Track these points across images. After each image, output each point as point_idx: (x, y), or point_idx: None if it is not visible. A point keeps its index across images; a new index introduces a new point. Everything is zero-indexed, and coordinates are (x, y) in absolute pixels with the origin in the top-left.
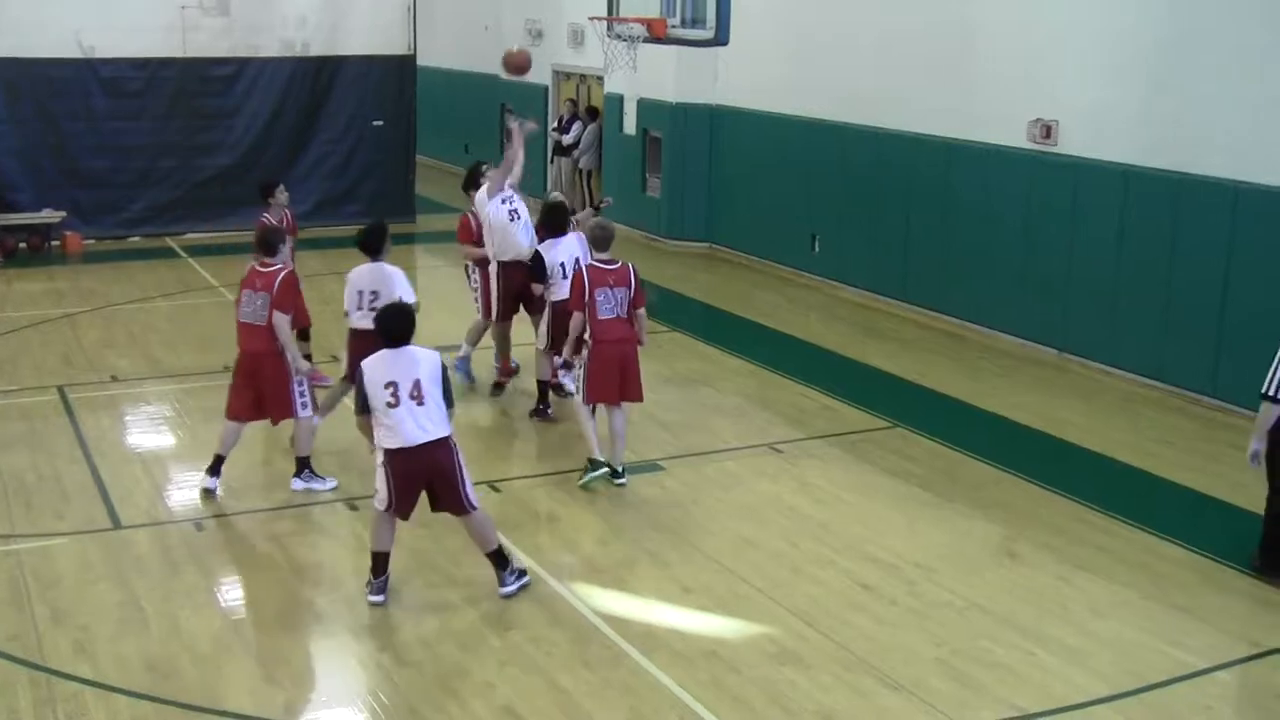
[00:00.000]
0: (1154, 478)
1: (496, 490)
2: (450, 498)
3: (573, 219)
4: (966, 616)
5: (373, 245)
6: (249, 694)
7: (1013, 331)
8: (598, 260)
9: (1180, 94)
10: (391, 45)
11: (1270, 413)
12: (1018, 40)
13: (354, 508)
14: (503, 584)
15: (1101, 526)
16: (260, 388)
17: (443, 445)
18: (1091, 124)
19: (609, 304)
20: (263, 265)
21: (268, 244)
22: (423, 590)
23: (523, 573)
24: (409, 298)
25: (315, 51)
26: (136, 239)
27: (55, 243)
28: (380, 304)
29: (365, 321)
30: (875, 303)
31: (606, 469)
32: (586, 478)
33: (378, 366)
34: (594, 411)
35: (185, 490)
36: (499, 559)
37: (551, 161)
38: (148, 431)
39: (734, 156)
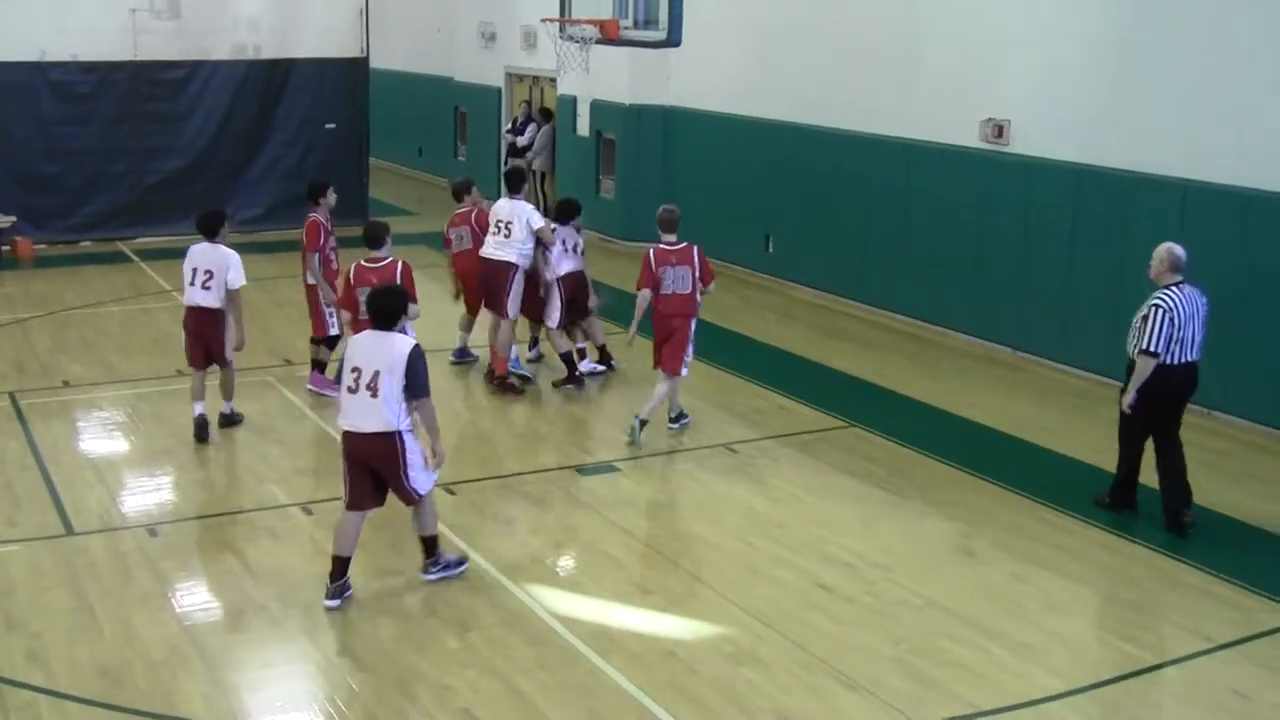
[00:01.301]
0: (1108, 475)
1: (451, 493)
2: (394, 486)
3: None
4: (924, 615)
5: (210, 227)
6: (203, 700)
7: (968, 330)
8: (665, 242)
9: (1130, 93)
10: (344, 48)
11: (1147, 366)
12: (969, 41)
13: (309, 512)
14: (424, 571)
15: (1057, 524)
16: None
17: (386, 438)
18: (1043, 123)
19: (670, 281)
20: (371, 261)
21: (375, 238)
22: (380, 594)
23: (454, 563)
24: (239, 282)
25: (267, 54)
26: (88, 243)
27: (5, 248)
28: (214, 284)
29: (197, 298)
30: (831, 302)
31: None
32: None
33: (355, 349)
34: None
35: (139, 495)
36: (429, 546)
37: (505, 163)
38: (101, 437)
39: (688, 157)
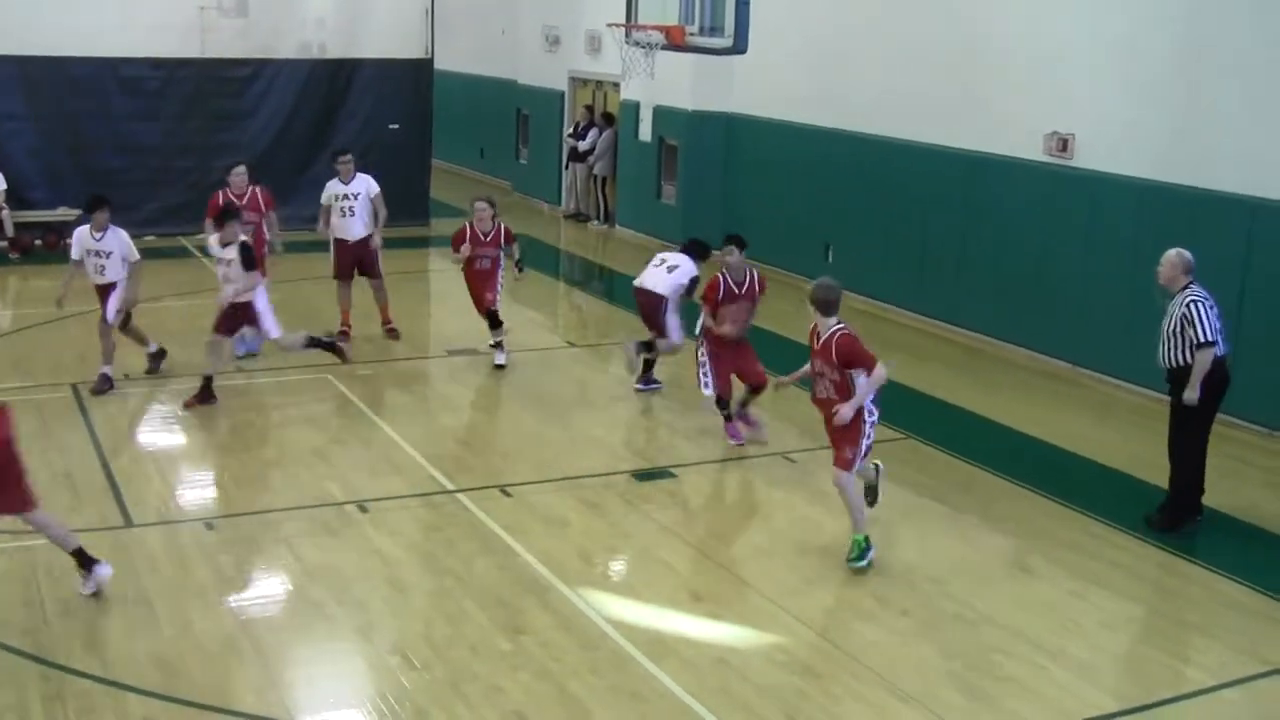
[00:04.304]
0: (1167, 493)
1: (507, 495)
2: None
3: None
4: (978, 629)
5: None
6: (256, 693)
7: (1028, 345)
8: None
9: (1197, 108)
10: (409, 49)
11: (1208, 358)
12: (1035, 52)
13: (365, 510)
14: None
15: (1115, 541)
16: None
17: None
18: (1108, 138)
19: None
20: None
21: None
22: (434, 594)
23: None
24: (133, 256)
25: (333, 54)
26: (151, 238)
27: (69, 240)
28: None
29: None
30: (889, 313)
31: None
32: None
33: None
34: None
35: (197, 489)
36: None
37: (566, 168)
38: (160, 430)
39: (749, 164)
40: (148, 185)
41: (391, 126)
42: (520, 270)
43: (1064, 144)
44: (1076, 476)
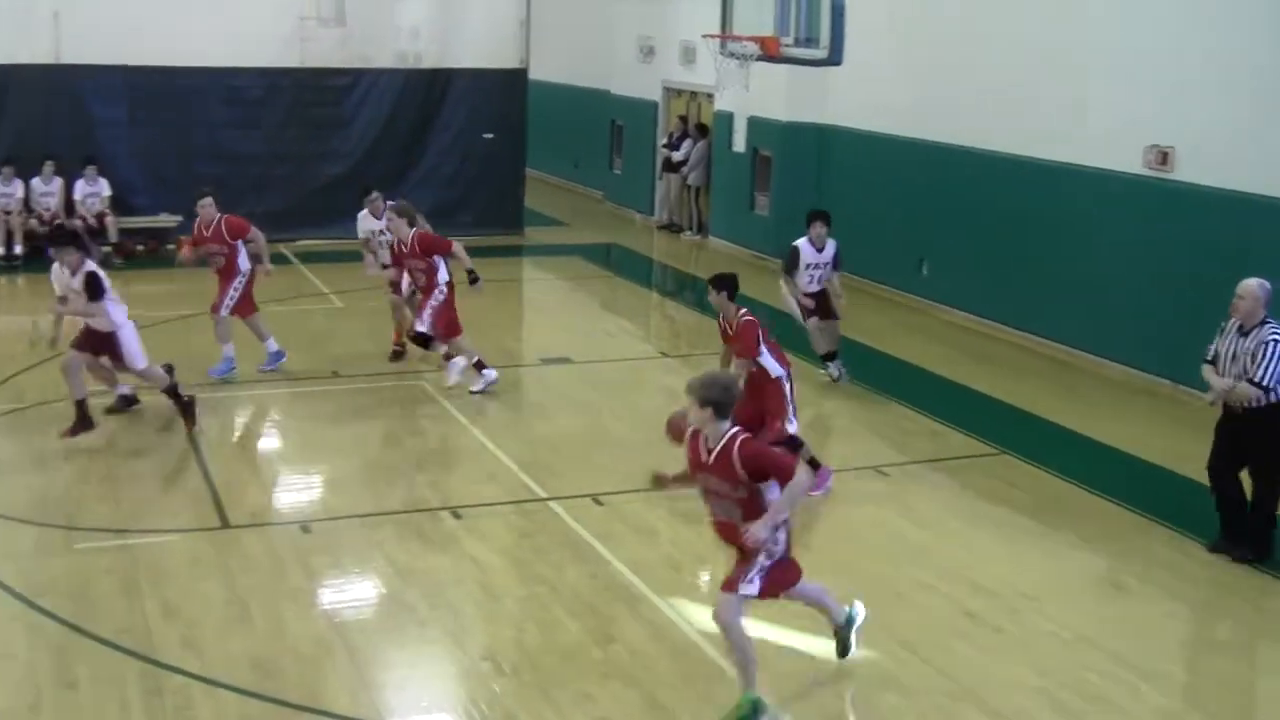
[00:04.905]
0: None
1: (599, 504)
2: None
3: None
4: (1072, 648)
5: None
6: (349, 695)
7: (1126, 361)
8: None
9: None
10: (504, 59)
11: (1252, 395)
12: (1134, 63)
13: (458, 516)
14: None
15: (1211, 562)
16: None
17: None
18: (1209, 152)
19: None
20: None
21: None
22: (526, 601)
23: None
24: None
25: (428, 64)
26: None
27: (171, 246)
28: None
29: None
30: (983, 327)
31: None
32: None
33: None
34: None
35: (293, 492)
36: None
37: (660, 178)
38: (258, 434)
39: (842, 176)
40: (248, 192)
41: (486, 136)
42: (475, 283)
43: (1164, 157)
44: (1173, 494)
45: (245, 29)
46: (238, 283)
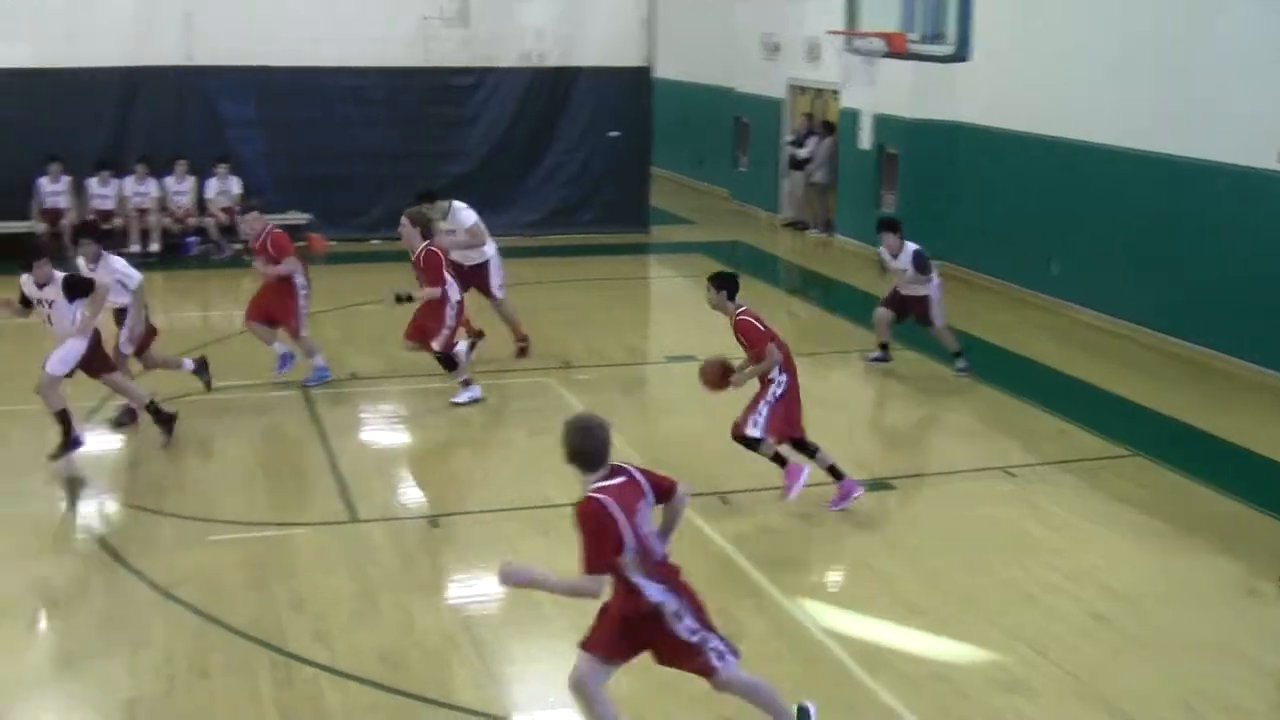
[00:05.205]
0: None
1: (725, 502)
2: None
3: None
4: (1205, 654)
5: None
6: (475, 689)
7: (1264, 362)
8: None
9: None
10: (628, 57)
11: None
12: (1268, 58)
13: None
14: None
15: None
16: None
17: None
18: None
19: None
20: None
21: None
22: None
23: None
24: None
25: (552, 62)
26: (376, 242)
27: (300, 243)
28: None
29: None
30: (1114, 326)
31: None
32: None
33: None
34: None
35: (420, 487)
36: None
37: (785, 176)
38: (385, 429)
39: (970, 173)
40: (373, 191)
41: (611, 134)
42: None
43: None
44: None
45: (370, 30)
46: (302, 297)
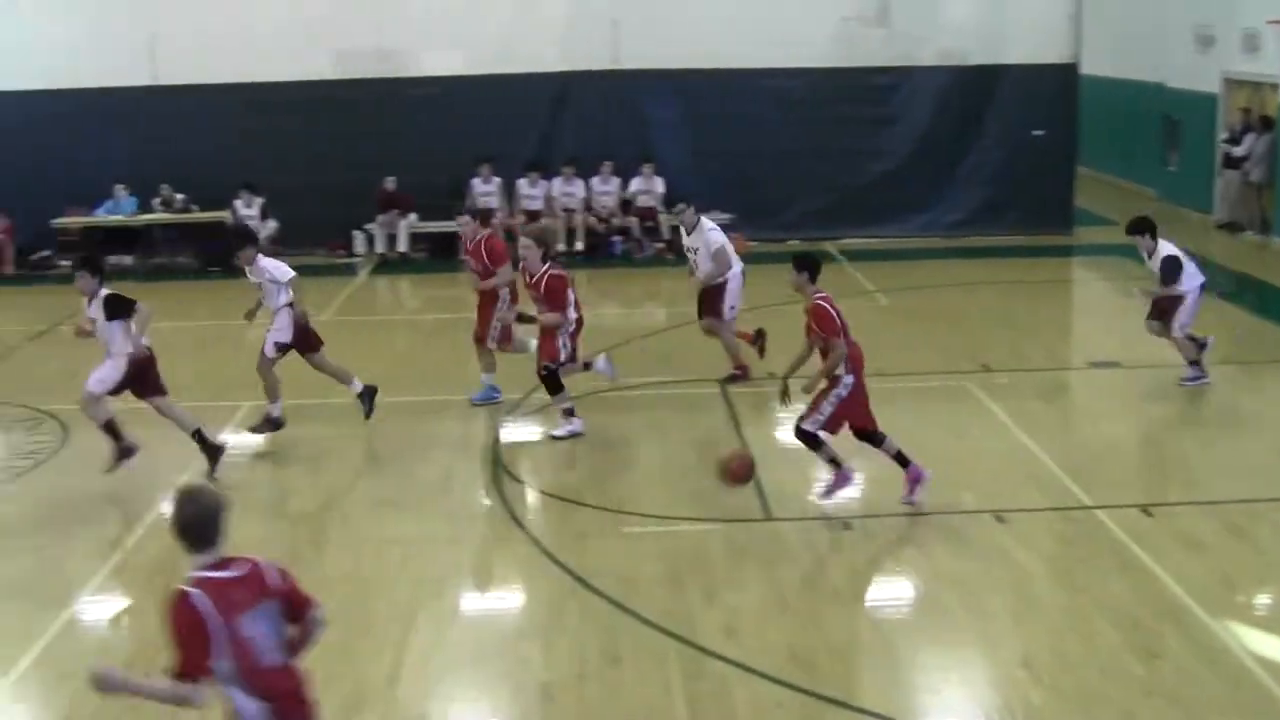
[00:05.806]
0: None
1: (1148, 515)
2: None
3: None
4: None
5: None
6: (882, 694)
7: None
8: None
9: None
10: (1053, 53)
11: None
12: None
13: (1001, 519)
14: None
15: None
16: None
17: None
18: None
19: None
20: None
21: None
22: (1068, 609)
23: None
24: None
25: (974, 60)
26: (794, 242)
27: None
28: None
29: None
30: None
31: None
32: None
33: None
34: None
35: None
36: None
37: (1220, 174)
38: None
39: None
40: (791, 190)
41: (1035, 133)
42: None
43: None
44: None
45: (789, 31)
46: (501, 309)
